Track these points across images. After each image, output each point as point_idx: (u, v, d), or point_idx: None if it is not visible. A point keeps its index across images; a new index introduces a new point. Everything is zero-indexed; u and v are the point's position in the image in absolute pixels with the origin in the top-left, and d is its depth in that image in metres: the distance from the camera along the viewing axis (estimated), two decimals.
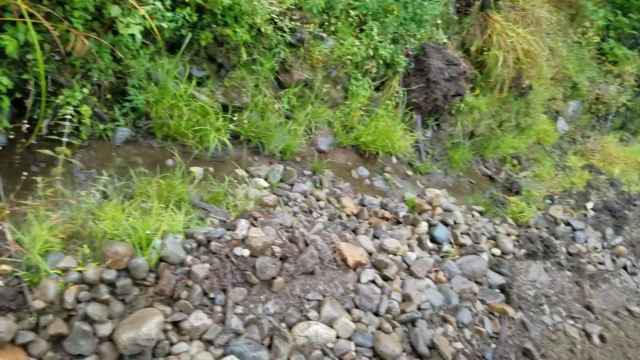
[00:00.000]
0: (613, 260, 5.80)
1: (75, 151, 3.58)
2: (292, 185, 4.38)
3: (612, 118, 8.67)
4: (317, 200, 4.35)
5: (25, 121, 3.16)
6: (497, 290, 4.40)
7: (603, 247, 5.85)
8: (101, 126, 3.69)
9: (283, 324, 3.07)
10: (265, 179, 4.25)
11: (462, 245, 4.63)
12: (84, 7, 3.22)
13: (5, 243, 2.66)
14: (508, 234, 5.09)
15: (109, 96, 3.75)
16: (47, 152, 3.26)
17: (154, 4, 3.47)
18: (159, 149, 4.00)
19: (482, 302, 4.21)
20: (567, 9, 7.99)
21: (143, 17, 3.33)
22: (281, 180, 4.37)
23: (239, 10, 3.97)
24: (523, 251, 4.98)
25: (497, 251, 4.80)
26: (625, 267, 5.87)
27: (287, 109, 4.73)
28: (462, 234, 4.71)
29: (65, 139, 3.25)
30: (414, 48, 5.60)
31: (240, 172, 4.25)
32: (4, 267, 2.50)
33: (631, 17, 8.68)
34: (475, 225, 4.97)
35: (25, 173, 3.02)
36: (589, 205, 6.29)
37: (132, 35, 3.40)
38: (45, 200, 3.06)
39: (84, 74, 3.56)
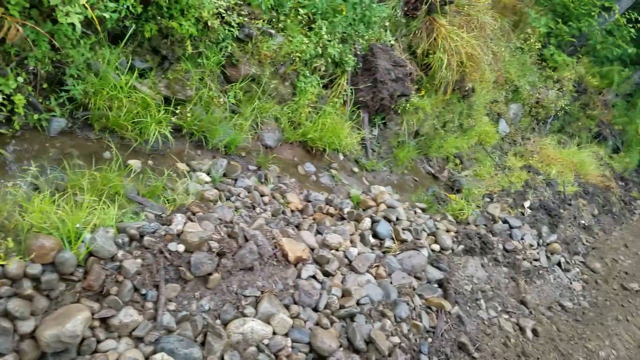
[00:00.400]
0: (548, 257, 6.10)
1: (7, 141, 3.42)
2: (235, 180, 4.34)
3: (551, 121, 9.12)
4: (262, 195, 4.34)
5: None
6: (435, 285, 4.53)
7: (538, 245, 6.14)
8: (35, 116, 3.52)
9: (218, 321, 3.04)
10: (208, 174, 4.19)
11: (403, 241, 4.74)
12: None
13: None
14: (448, 231, 5.26)
15: (45, 85, 3.59)
16: None
17: None
18: (96, 140, 3.87)
19: (421, 296, 4.32)
20: (511, 15, 8.33)
21: (84, 6, 3.21)
22: (224, 175, 4.32)
23: (185, 3, 3.90)
24: (461, 247, 5.15)
25: (436, 247, 4.95)
26: (559, 264, 6.18)
27: (233, 104, 4.68)
28: (403, 230, 4.83)
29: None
30: (362, 48, 5.67)
31: (181, 165, 4.17)
32: None
33: (571, 26, 9.16)
34: (417, 222, 5.10)
35: None
36: (526, 204, 6.59)
37: (72, 25, 3.28)
38: None
39: (19, 62, 3.40)
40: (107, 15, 3.51)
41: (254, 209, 4.13)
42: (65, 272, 2.70)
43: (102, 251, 2.83)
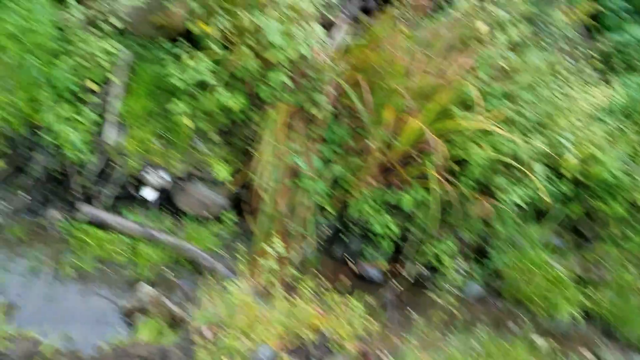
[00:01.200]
0: None
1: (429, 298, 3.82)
2: None
3: None
4: None
5: (401, 264, 3.68)
6: None
7: None
8: (458, 278, 3.87)
9: None
10: None
11: None
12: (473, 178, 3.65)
13: None
14: None
15: (469, 253, 3.99)
16: (431, 295, 3.61)
17: (538, 177, 3.59)
18: (505, 310, 3.96)
19: None
20: None
21: (526, 186, 3.51)
22: None
23: (617, 185, 3.84)
24: None
25: None
26: None
27: None
28: None
29: (445, 287, 3.54)
30: None
31: (588, 354, 3.79)
32: None
33: None
34: None
35: (409, 310, 3.49)
36: None
37: (513, 203, 3.60)
38: (419, 338, 3.26)
39: (453, 230, 3.91)
40: (545, 198, 3.61)
41: None
42: None
43: None
